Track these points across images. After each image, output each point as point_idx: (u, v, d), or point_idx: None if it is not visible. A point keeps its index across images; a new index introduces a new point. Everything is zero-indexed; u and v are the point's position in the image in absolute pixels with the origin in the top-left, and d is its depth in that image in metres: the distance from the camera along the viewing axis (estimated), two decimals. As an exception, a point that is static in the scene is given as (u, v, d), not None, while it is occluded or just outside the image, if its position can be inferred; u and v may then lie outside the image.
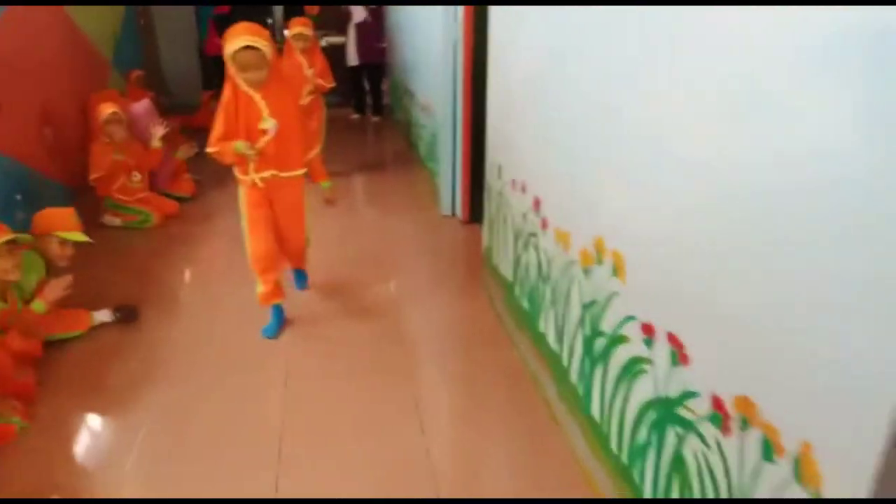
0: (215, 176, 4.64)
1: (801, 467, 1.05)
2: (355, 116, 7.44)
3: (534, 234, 2.35)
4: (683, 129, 1.34)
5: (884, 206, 0.86)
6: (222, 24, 6.82)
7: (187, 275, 3.46)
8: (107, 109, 3.89)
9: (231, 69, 2.33)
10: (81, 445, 2.14)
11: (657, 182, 1.45)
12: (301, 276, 3.11)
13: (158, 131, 4.13)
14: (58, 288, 2.51)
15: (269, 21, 7.86)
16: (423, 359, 2.63)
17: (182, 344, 2.72)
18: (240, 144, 2.40)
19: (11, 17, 3.80)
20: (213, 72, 7.25)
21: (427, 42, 4.45)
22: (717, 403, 1.28)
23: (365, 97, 7.42)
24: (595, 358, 1.85)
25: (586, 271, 1.88)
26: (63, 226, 2.66)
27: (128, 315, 2.86)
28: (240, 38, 2.26)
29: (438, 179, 4.29)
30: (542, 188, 2.25)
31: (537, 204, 2.29)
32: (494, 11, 2.71)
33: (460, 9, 3.67)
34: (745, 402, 1.19)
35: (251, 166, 2.49)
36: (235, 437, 2.15)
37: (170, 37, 7.43)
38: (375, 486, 1.93)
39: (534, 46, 2.25)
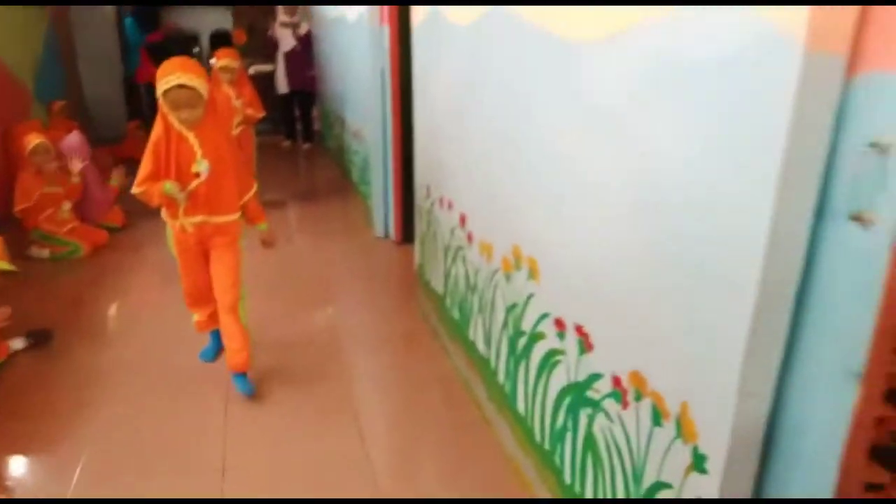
0: (144, 206, 4.62)
1: (681, 426, 1.25)
2: (286, 143, 7.50)
3: (461, 248, 2.53)
4: (574, 150, 1.55)
5: (723, 211, 1.08)
6: (155, 52, 6.79)
7: (117, 304, 3.44)
8: (33, 140, 3.84)
9: (163, 107, 2.18)
10: (14, 480, 2.13)
11: (560, 195, 1.66)
12: (242, 380, 2.54)
13: (76, 165, 4.10)
14: None
15: (196, 50, 7.86)
16: (362, 373, 2.74)
17: (114, 370, 2.72)
18: (168, 186, 2.22)
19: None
20: (142, 101, 7.18)
21: (356, 70, 4.62)
22: (616, 381, 1.47)
23: (296, 124, 7.51)
24: (518, 356, 2.03)
25: (507, 277, 2.06)
26: None
27: (41, 338, 2.84)
28: (173, 75, 2.11)
29: (371, 203, 4.44)
30: (467, 205, 2.43)
31: (463, 219, 2.48)
32: (417, 41, 2.91)
33: (387, 37, 3.86)
34: (636, 377, 1.39)
35: (181, 210, 2.31)
36: (177, 458, 2.19)
37: (92, 65, 7.30)
38: (317, 487, 2.03)
39: (452, 77, 2.45)
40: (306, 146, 7.38)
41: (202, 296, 2.56)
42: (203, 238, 2.41)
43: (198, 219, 2.35)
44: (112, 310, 3.36)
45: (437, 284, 2.91)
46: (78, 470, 2.11)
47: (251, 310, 2.91)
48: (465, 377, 2.59)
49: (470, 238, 2.42)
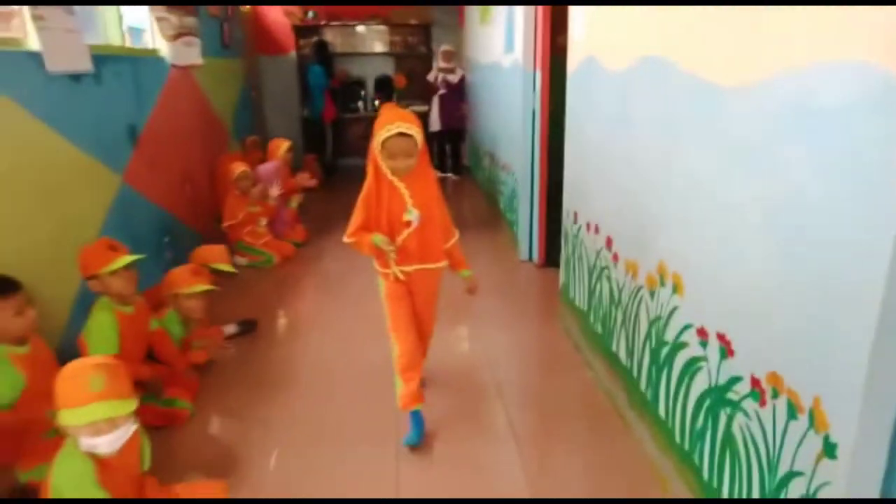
0: (322, 225, 5.38)
1: (814, 418, 1.42)
2: (436, 174, 8.14)
3: (606, 268, 2.77)
4: (714, 178, 1.77)
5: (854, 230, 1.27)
6: (334, 95, 7.88)
7: (305, 302, 4.05)
8: (238, 168, 4.67)
9: (379, 156, 2.24)
10: (234, 433, 2.67)
11: (703, 218, 1.87)
12: (417, 423, 2.54)
13: (275, 191, 4.88)
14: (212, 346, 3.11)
15: (363, 93, 8.79)
16: (510, 384, 3.04)
17: (302, 358, 3.26)
18: (378, 239, 2.29)
19: (166, 94, 4.66)
20: (326, 138, 8.20)
21: (508, 111, 5.04)
22: (755, 382, 1.65)
23: (446, 159, 8.13)
24: (660, 365, 2.23)
25: (652, 293, 2.28)
26: (219, 258, 3.23)
27: (248, 326, 3.46)
28: (393, 125, 2.18)
29: (517, 229, 4.79)
30: (613, 228, 2.68)
31: (609, 242, 2.73)
32: (572, 83, 3.24)
33: (538, 81, 4.24)
34: (774, 377, 1.57)
35: (392, 259, 2.37)
36: (358, 434, 2.63)
37: (275, 107, 8.45)
38: (474, 460, 2.35)
39: (604, 115, 2.74)
40: (455, 178, 7.95)
41: (414, 355, 2.49)
42: (413, 284, 2.47)
43: (410, 268, 2.42)
44: (300, 307, 3.97)
45: (581, 302, 3.15)
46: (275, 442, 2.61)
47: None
48: (605, 386, 2.80)
49: (616, 258, 2.66)
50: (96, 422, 1.70)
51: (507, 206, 5.26)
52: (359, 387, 2.97)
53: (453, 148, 8.01)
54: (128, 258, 2.58)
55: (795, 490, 1.49)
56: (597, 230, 2.89)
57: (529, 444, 2.53)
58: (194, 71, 5.21)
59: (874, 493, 1.32)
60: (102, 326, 2.51)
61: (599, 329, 2.88)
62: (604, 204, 2.80)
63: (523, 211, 4.61)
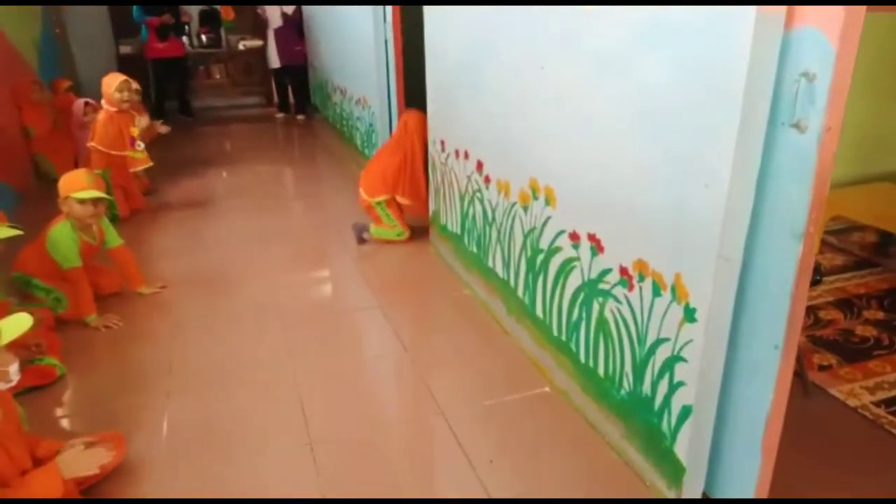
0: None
1: (676, 291, 1.71)
2: (280, 115, 7.79)
3: (478, 191, 2.95)
4: (579, 90, 1.97)
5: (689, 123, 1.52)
6: (159, 31, 7.08)
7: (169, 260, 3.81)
8: (117, 77, 4.26)
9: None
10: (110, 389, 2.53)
11: (569, 131, 2.09)
12: None
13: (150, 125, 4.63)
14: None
15: (187, 28, 8.05)
16: (392, 307, 3.17)
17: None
18: None
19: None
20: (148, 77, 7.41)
21: (357, 42, 4.96)
22: (623, 271, 1.93)
23: (288, 97, 7.80)
24: (536, 271, 2.48)
25: (525, 208, 2.50)
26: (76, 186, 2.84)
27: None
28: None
29: (377, 164, 4.82)
30: (484, 152, 2.85)
31: (480, 166, 2.90)
32: (428, 12, 3.29)
33: (389, 10, 4.22)
34: (640, 263, 1.84)
35: None
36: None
37: (84, 44, 7.47)
38: (371, 374, 2.47)
39: (465, 39, 2.85)
40: (301, 118, 7.68)
41: None
42: None
43: None
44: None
45: (454, 226, 3.33)
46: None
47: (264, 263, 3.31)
48: (484, 300, 3.03)
49: (487, 180, 2.84)
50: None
51: (366, 143, 5.26)
52: (238, 326, 2.93)
53: (296, 86, 7.70)
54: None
55: (662, 354, 1.80)
56: (466, 156, 3.05)
57: (421, 355, 2.70)
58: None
59: (724, 343, 1.64)
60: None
61: (475, 249, 3.09)
62: (473, 130, 2.95)
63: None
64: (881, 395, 2.28)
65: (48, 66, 6.11)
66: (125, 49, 7.77)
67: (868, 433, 2.12)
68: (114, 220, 4.18)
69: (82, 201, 2.84)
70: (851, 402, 2.24)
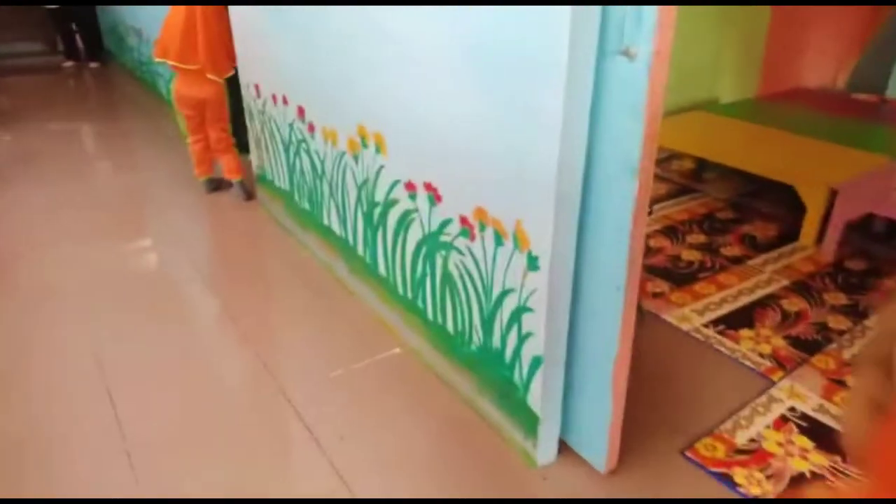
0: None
1: (518, 239, 1.60)
2: (68, 64, 6.68)
3: (303, 141, 2.65)
4: (403, 29, 1.76)
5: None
6: None
7: None
8: None
9: None
10: None
11: (395, 71, 1.87)
12: None
13: None
14: None
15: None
16: (218, 278, 2.82)
17: None
18: None
19: None
20: None
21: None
22: (464, 220, 1.79)
23: (75, 41, 6.68)
24: (375, 226, 2.28)
25: (356, 157, 2.27)
26: None
27: None
28: None
29: (190, 116, 4.26)
30: (304, 97, 2.55)
31: (301, 112, 2.59)
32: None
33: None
34: (480, 212, 1.71)
35: None
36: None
37: None
38: (199, 359, 2.17)
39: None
40: (94, 65, 6.63)
41: None
42: None
43: None
44: None
45: (282, 182, 3.01)
46: None
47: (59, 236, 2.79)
48: (323, 260, 2.79)
49: (311, 128, 2.55)
50: None
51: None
52: (24, 314, 2.44)
53: (83, 26, 6.60)
54: None
55: (509, 305, 1.71)
56: (285, 101, 2.71)
57: (255, 330, 2.43)
58: None
59: (569, 289, 1.58)
60: None
61: (307, 206, 2.81)
62: (289, 72, 2.61)
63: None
64: (709, 316, 2.42)
65: None
66: None
67: (701, 354, 2.25)
68: None
69: None
70: (684, 326, 2.36)
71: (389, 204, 2.15)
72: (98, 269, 2.82)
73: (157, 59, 3.30)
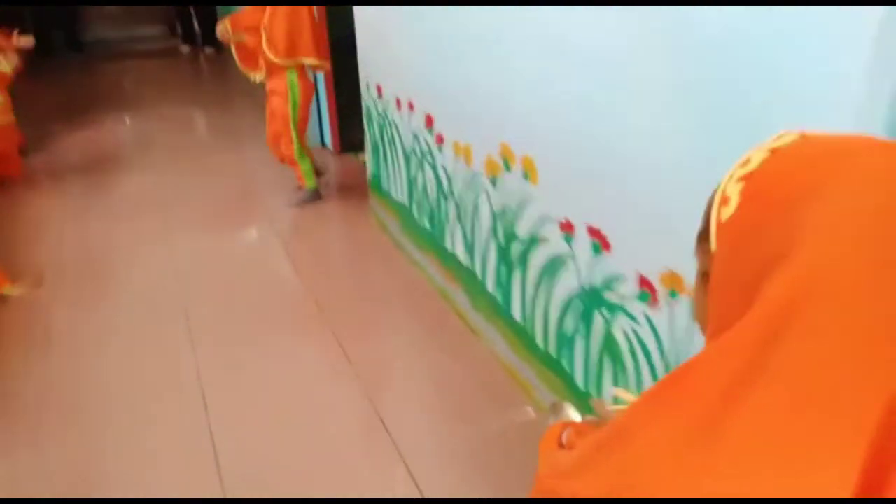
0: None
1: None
2: (185, 48, 6.76)
3: (429, 153, 2.33)
4: (579, 29, 1.37)
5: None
6: None
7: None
8: None
9: None
10: None
11: (551, 79, 1.49)
12: None
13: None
14: None
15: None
16: (327, 290, 2.58)
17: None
18: None
19: None
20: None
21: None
22: (644, 282, 1.40)
23: (193, 26, 6.74)
24: (512, 264, 1.93)
25: (494, 181, 1.91)
26: None
27: None
28: None
29: (301, 110, 4.07)
30: (434, 105, 2.22)
31: (430, 121, 2.27)
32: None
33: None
34: (671, 277, 1.32)
35: None
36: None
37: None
38: (308, 398, 1.92)
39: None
40: (210, 51, 6.67)
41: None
42: None
43: None
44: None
45: (400, 194, 2.72)
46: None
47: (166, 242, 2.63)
48: (440, 287, 2.48)
49: (441, 140, 2.22)
50: None
51: (285, 83, 4.46)
52: (131, 337, 2.29)
53: (202, 13, 6.63)
54: None
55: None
56: (411, 107, 2.40)
57: (364, 363, 2.15)
58: None
59: None
60: None
61: (427, 224, 2.50)
62: (419, 74, 2.29)
63: (307, 87, 3.89)
64: None
65: None
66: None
67: None
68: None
69: None
70: None
71: (534, 241, 1.78)
72: (203, 285, 2.65)
73: (282, 61, 2.97)
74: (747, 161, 0.46)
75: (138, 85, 5.81)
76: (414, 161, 2.48)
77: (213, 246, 2.95)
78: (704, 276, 0.51)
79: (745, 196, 0.44)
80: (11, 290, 2.52)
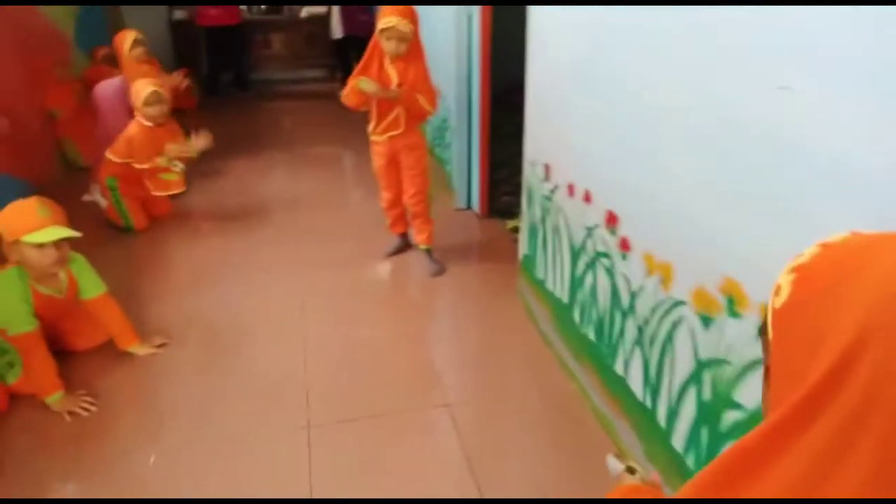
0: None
1: None
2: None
3: (606, 255, 1.93)
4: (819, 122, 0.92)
5: None
6: None
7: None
8: (146, 88, 3.28)
9: (379, 38, 2.71)
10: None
11: (802, 191, 1.04)
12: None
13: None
14: None
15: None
16: (462, 372, 2.23)
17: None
18: (364, 82, 2.76)
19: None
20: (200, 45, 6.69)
21: (431, 15, 3.93)
22: None
23: (352, 71, 6.88)
24: (719, 434, 1.46)
25: (706, 320, 1.47)
26: (27, 226, 2.00)
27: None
28: (391, 18, 2.62)
29: (450, 169, 3.85)
30: (620, 202, 1.82)
31: (612, 219, 1.87)
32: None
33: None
34: None
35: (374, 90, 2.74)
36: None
37: (135, 8, 6.75)
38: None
39: (591, 31, 1.79)
40: (363, 95, 6.77)
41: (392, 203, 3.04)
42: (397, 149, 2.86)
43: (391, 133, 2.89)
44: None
45: (558, 288, 2.32)
46: None
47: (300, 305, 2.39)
48: (599, 411, 2.04)
49: (625, 246, 1.81)
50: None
51: (437, 140, 4.27)
52: (252, 418, 2.06)
53: (360, 59, 6.76)
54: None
55: None
56: (588, 198, 2.02)
57: (497, 488, 1.76)
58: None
59: None
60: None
61: (591, 335, 2.08)
62: (599, 162, 1.91)
63: (459, 148, 3.66)
64: None
65: (91, 33, 5.38)
66: (179, 14, 7.00)
67: None
68: (127, 231, 3.44)
69: (40, 246, 2.02)
70: None
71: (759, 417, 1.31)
72: (332, 367, 2.40)
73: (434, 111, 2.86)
74: (800, 256, 0.49)
75: (295, 124, 5.98)
76: (584, 259, 2.09)
77: (343, 316, 2.71)
78: (767, 370, 0.53)
79: (796, 285, 0.48)
80: (138, 349, 2.42)
